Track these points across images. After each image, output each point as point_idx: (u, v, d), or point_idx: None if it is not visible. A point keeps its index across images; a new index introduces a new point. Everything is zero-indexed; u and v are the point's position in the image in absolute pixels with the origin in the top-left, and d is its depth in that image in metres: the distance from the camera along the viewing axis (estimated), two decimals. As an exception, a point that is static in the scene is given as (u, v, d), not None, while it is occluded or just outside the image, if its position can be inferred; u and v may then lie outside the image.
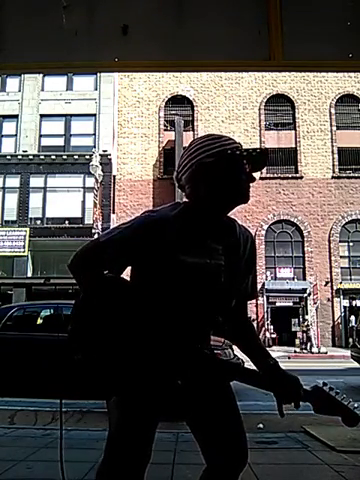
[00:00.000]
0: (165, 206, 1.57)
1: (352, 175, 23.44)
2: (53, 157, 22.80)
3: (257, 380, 1.57)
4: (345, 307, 22.14)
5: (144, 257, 1.49)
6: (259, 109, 24.08)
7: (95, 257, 1.48)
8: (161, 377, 1.48)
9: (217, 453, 1.53)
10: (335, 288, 22.31)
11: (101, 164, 21.53)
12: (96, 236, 17.01)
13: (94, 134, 23.44)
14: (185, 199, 1.60)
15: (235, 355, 7.40)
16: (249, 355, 1.64)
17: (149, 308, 1.48)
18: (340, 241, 22.85)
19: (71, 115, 23.60)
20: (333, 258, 22.58)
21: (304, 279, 22.36)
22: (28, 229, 22.15)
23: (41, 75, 22.37)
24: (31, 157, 22.92)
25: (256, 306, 21.21)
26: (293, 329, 22.05)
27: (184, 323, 1.49)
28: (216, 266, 1.52)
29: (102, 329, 1.48)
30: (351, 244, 22.93)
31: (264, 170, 23.14)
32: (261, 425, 5.10)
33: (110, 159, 23.00)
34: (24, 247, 21.95)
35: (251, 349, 1.64)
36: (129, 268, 1.58)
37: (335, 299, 22.30)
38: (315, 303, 20.69)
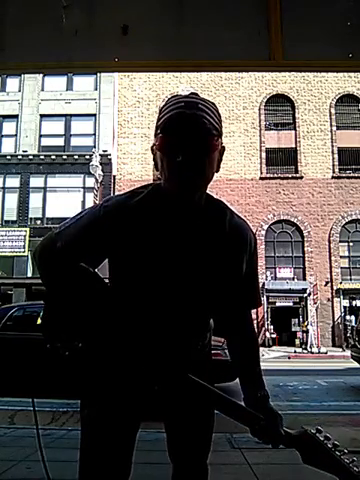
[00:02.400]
0: (127, 191, 1.40)
1: (352, 175, 23.44)
2: (53, 157, 22.80)
3: (235, 411, 1.32)
4: (345, 307, 22.14)
5: (104, 247, 1.36)
6: (259, 109, 24.08)
7: (50, 251, 1.37)
8: (136, 381, 1.35)
9: (172, 454, 1.49)
10: (335, 288, 22.30)
11: (101, 164, 21.53)
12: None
13: (94, 134, 23.45)
14: None
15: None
16: (240, 374, 1.46)
17: (120, 302, 1.35)
18: (340, 241, 22.84)
19: (71, 115, 23.61)
20: (333, 258, 22.57)
21: (304, 279, 22.36)
22: (28, 229, 22.15)
23: (41, 75, 22.38)
24: (31, 157, 22.92)
25: (256, 306, 21.18)
26: (293, 329, 22.07)
27: (160, 321, 1.34)
28: (188, 255, 1.33)
29: (70, 321, 1.37)
30: (351, 244, 22.93)
31: (264, 170, 23.21)
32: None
33: (110, 159, 23.01)
34: (24, 247, 21.95)
35: (245, 369, 1.45)
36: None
37: (335, 299, 22.30)
38: (315, 303, 20.69)
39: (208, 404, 1.38)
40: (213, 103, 1.35)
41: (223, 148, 1.36)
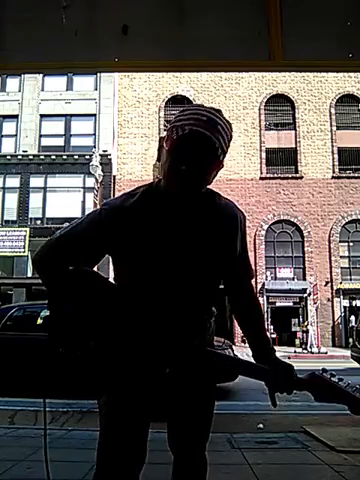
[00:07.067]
0: (123, 194, 1.50)
1: (352, 175, 23.44)
2: (53, 157, 22.80)
3: (249, 369, 1.48)
4: (345, 307, 22.14)
5: (105, 248, 1.47)
6: (259, 109, 24.07)
7: (53, 253, 1.45)
8: (148, 365, 1.43)
9: (172, 444, 1.57)
10: (335, 288, 22.30)
11: (101, 164, 21.53)
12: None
13: (94, 134, 23.45)
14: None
15: (235, 355, 7.41)
16: (248, 335, 1.59)
17: (127, 298, 1.43)
18: (340, 241, 22.84)
19: (71, 115, 23.61)
20: (333, 258, 22.57)
21: (304, 279, 22.36)
22: (28, 229, 22.15)
23: (41, 75, 22.38)
24: (31, 157, 22.92)
25: (256, 306, 21.19)
26: (293, 329, 22.06)
27: (165, 311, 1.42)
28: (186, 246, 1.44)
29: (80, 323, 1.44)
30: (351, 244, 22.93)
31: (264, 170, 23.21)
32: (261, 425, 5.09)
33: (110, 159, 23.01)
34: (24, 247, 21.95)
35: (251, 329, 1.59)
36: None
37: (335, 299, 22.30)
38: (315, 303, 20.68)
39: (217, 365, 1.50)
40: (229, 123, 1.45)
41: (222, 166, 1.48)
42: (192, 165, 1.36)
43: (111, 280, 1.55)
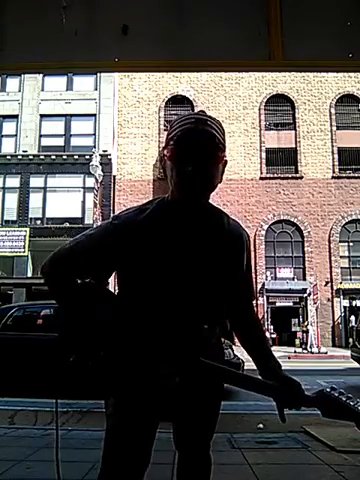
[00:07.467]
0: (134, 208, 1.51)
1: (352, 175, 23.44)
2: (53, 157, 22.80)
3: (256, 386, 1.48)
4: (345, 307, 22.14)
5: (115, 262, 1.46)
6: (259, 109, 24.07)
7: (63, 265, 1.46)
8: (158, 375, 1.45)
9: (178, 441, 1.58)
10: (335, 288, 22.30)
11: (101, 164, 21.53)
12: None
13: (94, 134, 23.45)
14: None
15: (235, 355, 7.41)
16: (252, 354, 1.59)
17: (134, 311, 1.44)
18: (340, 241, 22.84)
19: (71, 115, 23.61)
20: (333, 258, 22.57)
21: (304, 279, 22.36)
22: (28, 229, 22.15)
23: (41, 75, 22.37)
24: (31, 157, 22.92)
25: (256, 306, 21.19)
26: (293, 329, 22.06)
27: (175, 322, 1.44)
28: (197, 262, 1.46)
29: (92, 334, 1.45)
30: (351, 244, 22.93)
31: (264, 170, 23.22)
32: (261, 425, 5.10)
33: (110, 159, 23.01)
34: (24, 247, 21.95)
35: (255, 348, 1.59)
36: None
37: (335, 299, 22.30)
38: (315, 303, 20.68)
39: (224, 380, 1.52)
40: (218, 121, 1.48)
41: (226, 161, 1.49)
42: (197, 162, 1.38)
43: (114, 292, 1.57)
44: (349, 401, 1.42)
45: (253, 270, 1.63)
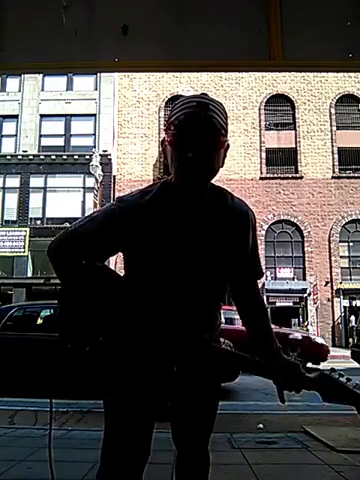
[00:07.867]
0: (137, 190, 1.50)
1: (352, 175, 23.45)
2: (53, 157, 22.82)
3: (257, 368, 1.48)
4: (345, 307, 22.15)
5: (119, 244, 1.46)
6: (259, 109, 24.08)
7: (67, 247, 1.45)
8: (156, 364, 1.43)
9: (177, 438, 1.58)
10: (335, 288, 22.31)
11: (101, 164, 21.54)
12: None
13: (94, 134, 23.47)
14: None
15: (239, 351, 7.40)
16: (254, 333, 1.59)
17: (139, 294, 1.44)
18: (340, 241, 22.85)
19: (71, 115, 23.62)
20: (333, 258, 22.58)
21: (304, 279, 22.37)
22: (28, 229, 22.17)
23: (41, 75, 22.39)
24: (31, 157, 22.94)
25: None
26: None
27: (177, 307, 1.44)
28: (200, 244, 1.45)
29: (91, 318, 1.44)
30: (351, 244, 22.94)
31: (264, 170, 23.22)
32: (261, 425, 5.09)
33: (110, 159, 23.02)
34: (24, 247, 21.96)
35: (258, 330, 1.59)
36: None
37: (335, 299, 22.30)
38: (315, 303, 20.69)
39: (226, 363, 1.52)
40: (221, 103, 1.46)
41: (228, 145, 1.46)
42: (197, 148, 1.35)
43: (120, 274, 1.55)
44: (348, 383, 1.42)
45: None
